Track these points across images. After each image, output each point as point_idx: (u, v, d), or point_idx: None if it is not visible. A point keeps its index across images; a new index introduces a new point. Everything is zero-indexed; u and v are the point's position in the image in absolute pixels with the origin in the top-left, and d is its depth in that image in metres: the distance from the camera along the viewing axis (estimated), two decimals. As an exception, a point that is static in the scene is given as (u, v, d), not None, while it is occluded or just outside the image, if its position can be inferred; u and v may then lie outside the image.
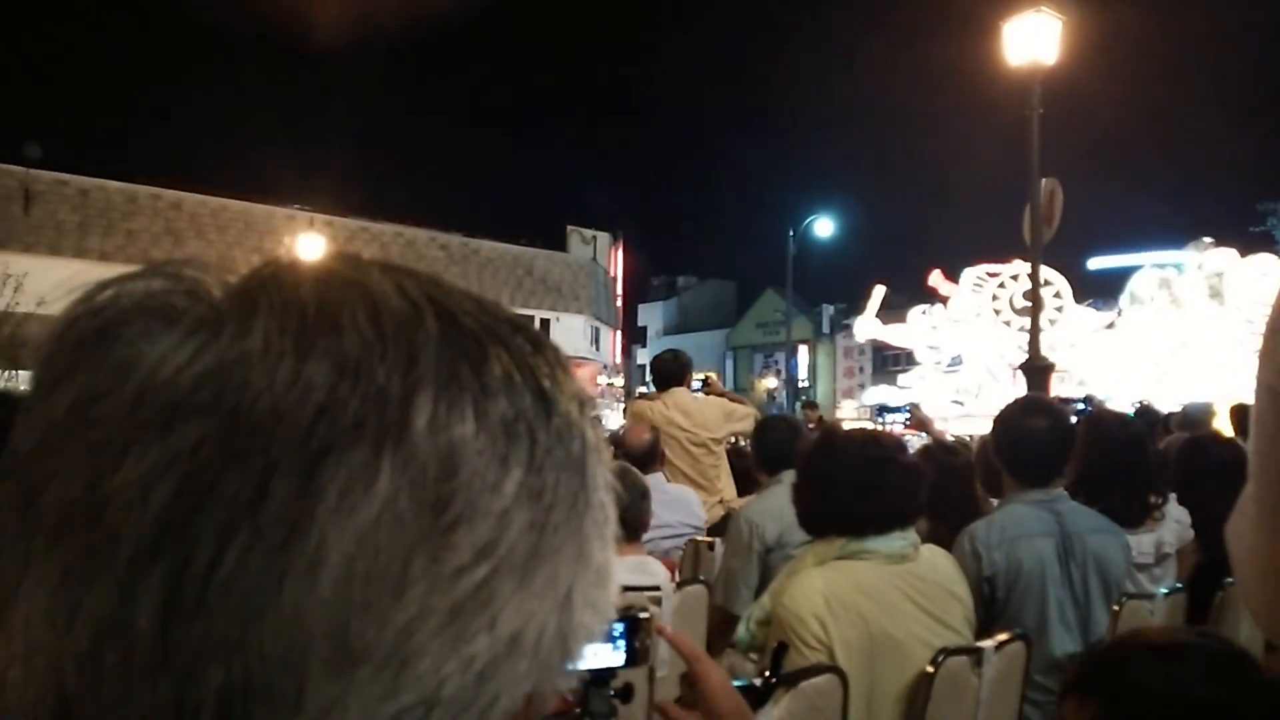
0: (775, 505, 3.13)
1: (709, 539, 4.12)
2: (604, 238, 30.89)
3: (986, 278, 21.08)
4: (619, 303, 32.27)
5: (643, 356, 44.00)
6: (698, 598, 3.14)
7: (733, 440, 5.80)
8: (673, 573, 3.12)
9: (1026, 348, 20.99)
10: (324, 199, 22.10)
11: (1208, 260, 18.85)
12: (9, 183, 18.91)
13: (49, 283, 0.42)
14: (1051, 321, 19.95)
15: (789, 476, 2.30)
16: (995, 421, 2.77)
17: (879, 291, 22.68)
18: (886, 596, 1.89)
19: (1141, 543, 3.09)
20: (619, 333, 32.34)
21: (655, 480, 4.31)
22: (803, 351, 32.79)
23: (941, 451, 3.43)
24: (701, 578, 3.28)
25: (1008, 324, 20.38)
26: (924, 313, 22.52)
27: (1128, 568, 2.70)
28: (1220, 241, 18.86)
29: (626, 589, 2.74)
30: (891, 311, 23.04)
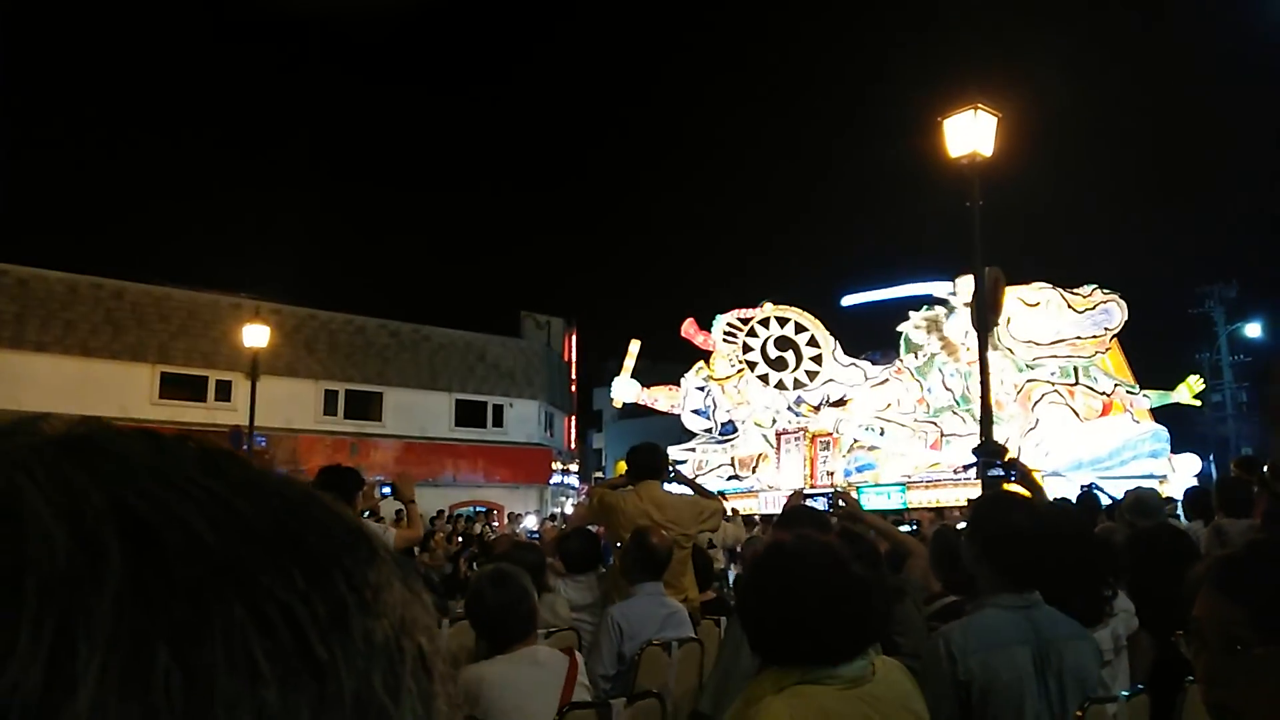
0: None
1: (660, 642, 3.95)
2: (558, 322, 30.88)
3: (738, 325, 18.50)
4: (573, 387, 32.11)
5: (598, 441, 43.65)
6: (649, 711, 2.98)
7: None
8: (571, 654, 2.88)
9: (800, 409, 18.48)
10: (271, 287, 21.80)
11: (963, 287, 15.00)
12: (-55, 273, 18.45)
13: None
14: (810, 374, 17.73)
15: None
16: (973, 519, 2.64)
17: (635, 347, 20.16)
18: (851, 723, 1.76)
19: (1101, 639, 3.04)
20: (573, 418, 32.08)
21: (653, 591, 4.10)
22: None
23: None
24: (655, 690, 3.12)
25: (764, 379, 17.82)
26: (697, 372, 19.62)
27: (1099, 675, 2.63)
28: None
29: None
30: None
